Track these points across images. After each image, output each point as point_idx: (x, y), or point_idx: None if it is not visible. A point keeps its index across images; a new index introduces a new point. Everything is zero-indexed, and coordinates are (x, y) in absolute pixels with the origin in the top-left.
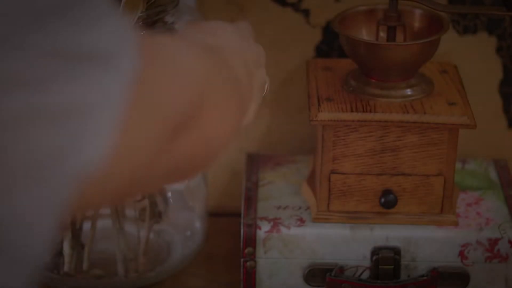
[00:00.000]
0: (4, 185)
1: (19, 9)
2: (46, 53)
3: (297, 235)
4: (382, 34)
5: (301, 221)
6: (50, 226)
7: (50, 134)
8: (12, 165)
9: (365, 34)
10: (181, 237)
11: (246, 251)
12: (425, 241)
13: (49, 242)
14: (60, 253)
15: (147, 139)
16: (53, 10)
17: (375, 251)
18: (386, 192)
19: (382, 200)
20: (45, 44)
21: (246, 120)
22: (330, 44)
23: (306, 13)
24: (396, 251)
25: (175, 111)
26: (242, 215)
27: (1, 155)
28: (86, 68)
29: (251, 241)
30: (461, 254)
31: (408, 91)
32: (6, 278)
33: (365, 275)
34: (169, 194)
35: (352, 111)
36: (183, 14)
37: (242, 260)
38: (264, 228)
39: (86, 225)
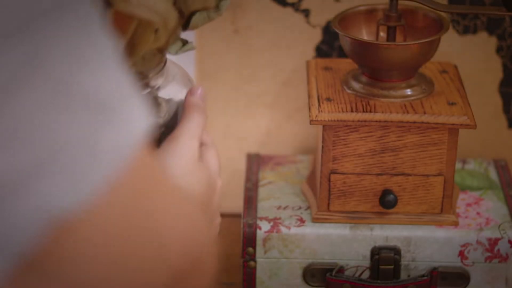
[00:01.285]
0: (36, 167)
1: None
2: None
3: (297, 235)
4: (382, 34)
5: (301, 221)
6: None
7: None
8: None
9: (365, 34)
10: None
11: (246, 251)
12: (425, 241)
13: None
14: None
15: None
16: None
17: (375, 251)
18: (386, 192)
19: (382, 200)
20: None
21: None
22: (330, 44)
23: (306, 13)
24: (396, 251)
25: (178, 257)
26: (242, 215)
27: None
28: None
29: (251, 241)
30: (461, 254)
31: (408, 91)
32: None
33: (365, 275)
34: None
35: (352, 111)
36: (172, 80)
37: (242, 260)
38: (264, 228)
39: None
